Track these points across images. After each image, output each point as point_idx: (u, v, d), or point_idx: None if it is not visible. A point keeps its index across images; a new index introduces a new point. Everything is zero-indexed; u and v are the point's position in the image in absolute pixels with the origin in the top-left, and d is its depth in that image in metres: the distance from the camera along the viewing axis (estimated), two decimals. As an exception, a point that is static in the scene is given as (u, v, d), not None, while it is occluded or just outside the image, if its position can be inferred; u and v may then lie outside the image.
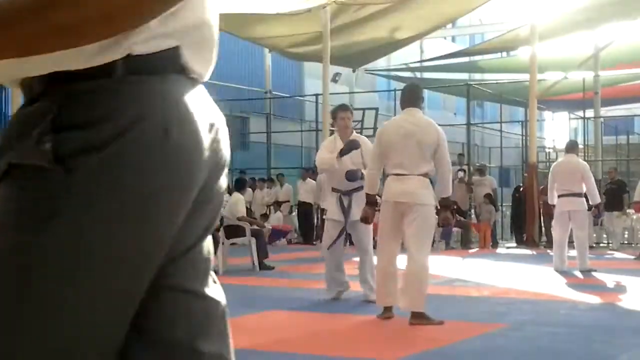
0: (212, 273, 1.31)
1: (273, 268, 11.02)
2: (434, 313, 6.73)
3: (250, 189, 17.39)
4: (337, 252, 7.44)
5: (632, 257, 13.60)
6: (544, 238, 16.69)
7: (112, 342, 1.16)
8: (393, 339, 5.48)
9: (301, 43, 22.52)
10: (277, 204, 18.99)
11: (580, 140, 24.04)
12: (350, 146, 7.25)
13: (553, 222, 11.11)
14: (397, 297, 6.04)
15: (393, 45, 23.21)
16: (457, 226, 16.57)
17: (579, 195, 10.65)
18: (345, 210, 7.33)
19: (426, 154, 6.10)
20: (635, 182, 15.95)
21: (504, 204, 20.28)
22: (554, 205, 10.92)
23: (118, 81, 1.12)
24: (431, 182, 6.33)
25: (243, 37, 22.94)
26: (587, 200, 10.76)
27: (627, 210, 16.09)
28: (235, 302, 7.62)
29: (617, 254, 14.91)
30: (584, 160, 12.86)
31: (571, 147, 11.14)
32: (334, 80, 26.98)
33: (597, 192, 10.80)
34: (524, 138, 19.81)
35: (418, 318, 5.89)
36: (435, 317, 5.96)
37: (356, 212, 7.08)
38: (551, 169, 11.32)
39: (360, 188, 7.01)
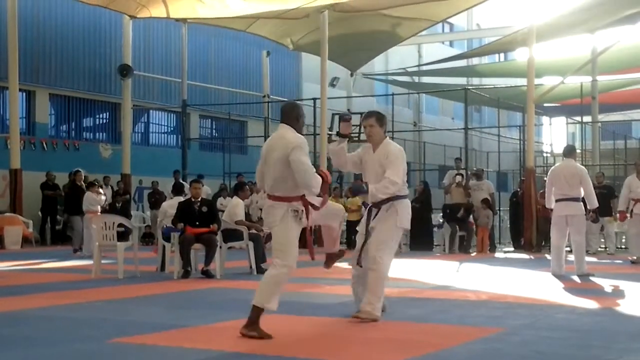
0: None
1: (271, 272, 10.98)
2: (432, 317, 6.74)
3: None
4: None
5: (630, 261, 13.60)
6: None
7: None
8: (391, 343, 5.47)
9: (298, 36, 22.55)
10: None
11: (578, 145, 24.12)
12: None
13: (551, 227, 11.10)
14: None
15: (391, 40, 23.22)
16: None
17: (576, 199, 10.65)
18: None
19: (280, 171, 5.63)
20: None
21: (501, 209, 20.28)
22: (551, 210, 10.92)
23: None
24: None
25: (239, 29, 22.72)
26: (585, 205, 10.77)
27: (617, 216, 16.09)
28: (233, 306, 7.64)
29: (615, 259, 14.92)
30: (582, 164, 12.85)
31: (569, 152, 11.13)
32: (332, 84, 26.99)
33: (595, 197, 10.79)
34: (521, 143, 19.82)
35: (247, 325, 5.56)
36: (266, 334, 5.51)
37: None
38: (549, 173, 11.30)
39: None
